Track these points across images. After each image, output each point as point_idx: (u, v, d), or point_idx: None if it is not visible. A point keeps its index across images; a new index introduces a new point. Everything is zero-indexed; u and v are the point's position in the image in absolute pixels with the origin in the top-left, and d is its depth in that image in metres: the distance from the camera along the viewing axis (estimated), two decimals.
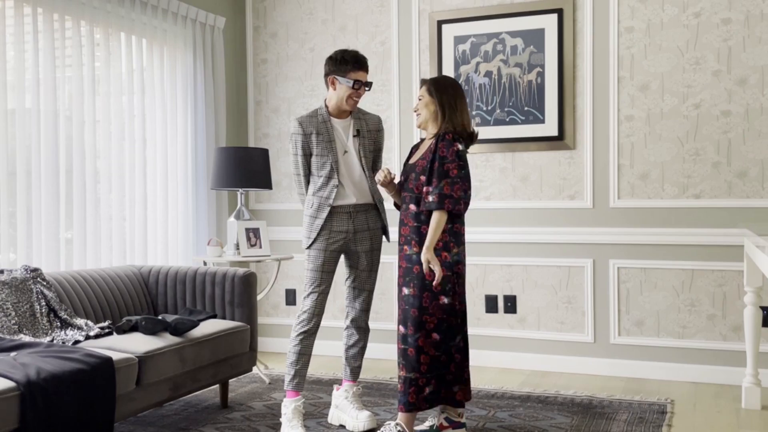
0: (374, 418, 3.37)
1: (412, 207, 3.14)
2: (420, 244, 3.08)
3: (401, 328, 3.11)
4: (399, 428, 3.08)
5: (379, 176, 3.19)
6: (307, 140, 3.33)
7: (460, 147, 3.09)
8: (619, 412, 3.62)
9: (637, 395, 3.94)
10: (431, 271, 3.03)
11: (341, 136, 3.35)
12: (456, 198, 3.03)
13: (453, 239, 3.10)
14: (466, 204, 3.10)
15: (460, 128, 3.13)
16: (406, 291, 3.11)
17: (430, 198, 3.04)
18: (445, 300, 3.06)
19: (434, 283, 3.03)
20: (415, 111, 3.25)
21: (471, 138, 3.18)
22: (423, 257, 3.04)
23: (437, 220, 3.03)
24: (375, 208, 3.42)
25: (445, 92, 3.16)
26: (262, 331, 5.30)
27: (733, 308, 4.21)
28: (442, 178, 3.03)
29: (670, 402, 3.79)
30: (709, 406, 3.77)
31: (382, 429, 3.13)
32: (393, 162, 4.87)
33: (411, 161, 3.24)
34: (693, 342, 4.29)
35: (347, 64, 3.29)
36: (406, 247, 3.16)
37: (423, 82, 3.26)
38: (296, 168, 3.39)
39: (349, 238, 3.35)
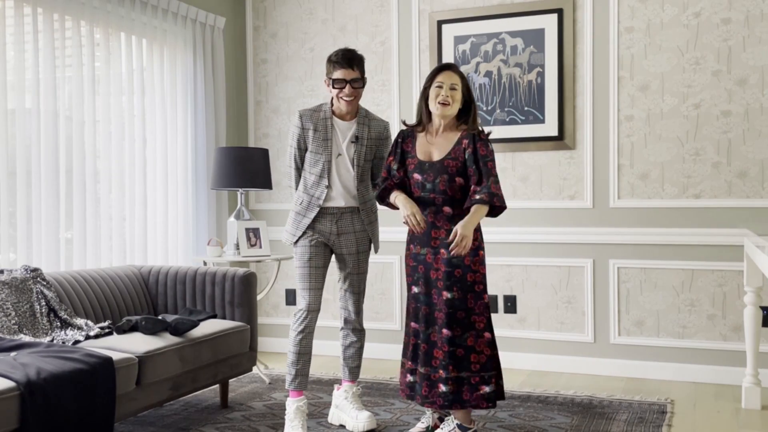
0: (374, 418, 3.36)
1: (447, 210, 3.06)
2: None
3: (446, 331, 3.03)
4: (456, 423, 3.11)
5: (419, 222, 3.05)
6: (304, 134, 3.31)
7: (491, 147, 3.09)
8: (619, 412, 3.62)
9: (637, 395, 3.94)
10: (458, 244, 2.94)
11: (338, 138, 3.30)
12: (500, 195, 3.01)
13: (482, 236, 3.13)
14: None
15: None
16: (448, 295, 3.03)
17: (478, 196, 2.99)
18: (487, 298, 3.08)
19: (456, 251, 2.93)
20: (447, 99, 3.05)
21: None
22: (461, 230, 2.92)
23: (480, 212, 2.98)
24: (359, 211, 3.37)
25: (471, 92, 3.15)
26: (262, 331, 5.30)
27: (733, 308, 4.21)
28: (488, 177, 3.01)
29: (670, 402, 3.79)
30: (709, 406, 3.77)
31: (441, 426, 3.14)
32: None
33: (435, 159, 3.08)
34: (693, 342, 4.29)
35: (331, 63, 3.25)
36: (443, 250, 3.05)
37: (455, 69, 3.09)
38: (290, 160, 3.38)
39: (333, 239, 3.34)
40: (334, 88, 3.24)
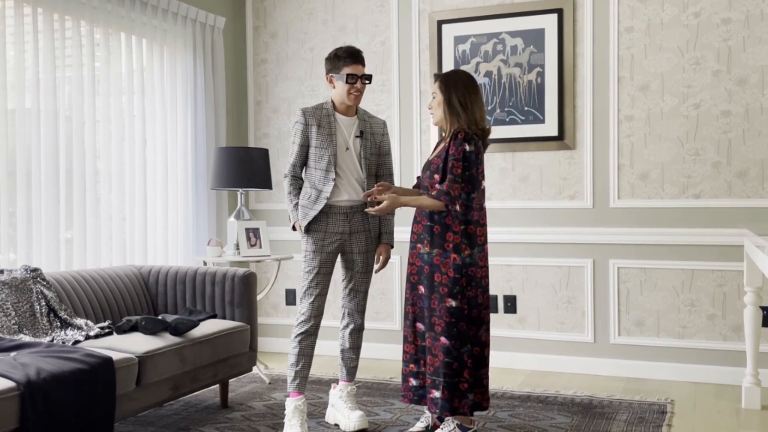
0: (365, 418, 3.37)
1: None
2: (432, 243, 3.06)
3: (419, 325, 3.16)
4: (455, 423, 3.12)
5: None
6: (307, 131, 3.33)
7: (468, 148, 3.01)
8: (619, 412, 3.62)
9: (637, 395, 3.94)
10: (376, 204, 3.11)
11: (344, 133, 3.34)
12: (453, 196, 3.00)
13: (465, 241, 3.05)
14: (467, 206, 3.03)
15: (473, 126, 3.08)
16: (422, 290, 3.12)
17: (433, 192, 3.06)
18: (453, 303, 3.01)
19: (373, 209, 3.10)
20: (429, 108, 3.22)
21: (483, 135, 3.12)
22: (389, 198, 3.06)
23: (430, 203, 3.04)
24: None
25: (456, 89, 3.10)
26: (262, 331, 5.30)
27: (733, 308, 4.21)
28: (446, 175, 3.04)
29: (670, 402, 3.79)
30: (709, 406, 3.77)
31: (441, 426, 3.14)
32: (393, 162, 4.86)
33: (429, 158, 3.23)
34: (693, 342, 4.29)
35: (340, 59, 3.30)
36: (419, 245, 3.13)
37: (436, 77, 3.20)
38: (291, 156, 3.40)
39: (345, 239, 3.36)
40: (347, 83, 3.27)
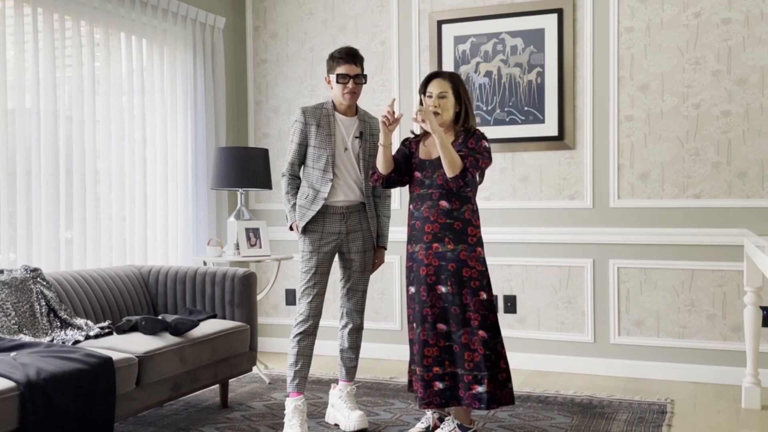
0: (365, 418, 3.37)
1: (443, 203, 3.08)
2: (454, 240, 3.05)
3: (441, 326, 3.07)
4: (456, 423, 3.11)
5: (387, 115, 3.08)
6: (306, 130, 3.33)
7: (486, 144, 3.10)
8: (619, 412, 3.62)
9: (637, 395, 3.94)
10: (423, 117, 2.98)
11: (343, 133, 3.34)
12: (478, 166, 3.03)
13: (480, 235, 3.13)
14: (474, 178, 3.07)
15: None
16: (443, 289, 3.06)
17: (461, 153, 3.04)
18: (485, 295, 3.04)
19: (418, 117, 2.97)
20: (436, 107, 3.10)
21: None
22: (438, 132, 2.98)
23: (454, 153, 2.98)
24: (365, 208, 3.41)
25: (466, 92, 3.16)
26: (262, 331, 5.30)
27: (733, 308, 4.21)
28: (473, 153, 3.04)
29: (670, 402, 3.79)
30: (709, 406, 3.77)
31: (441, 426, 3.14)
32: None
33: (434, 157, 3.12)
34: (693, 342, 4.29)
35: (334, 60, 3.31)
36: (435, 244, 3.07)
37: (444, 76, 3.14)
38: (289, 155, 3.39)
39: (342, 239, 3.36)
40: (338, 83, 3.28)
